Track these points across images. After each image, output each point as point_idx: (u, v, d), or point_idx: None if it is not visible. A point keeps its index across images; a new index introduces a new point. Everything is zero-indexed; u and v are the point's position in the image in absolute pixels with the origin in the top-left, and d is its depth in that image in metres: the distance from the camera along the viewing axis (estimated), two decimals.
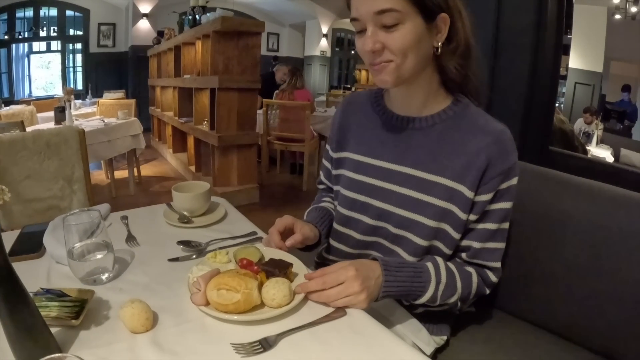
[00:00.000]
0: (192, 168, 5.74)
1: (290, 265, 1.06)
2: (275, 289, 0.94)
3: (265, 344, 0.85)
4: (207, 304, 0.95)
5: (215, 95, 4.51)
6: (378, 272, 1.02)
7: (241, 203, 4.65)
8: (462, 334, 1.35)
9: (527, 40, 1.96)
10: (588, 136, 3.92)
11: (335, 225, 1.32)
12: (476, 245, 1.14)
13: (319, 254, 1.42)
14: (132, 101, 6.03)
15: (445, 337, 1.27)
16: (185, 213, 1.47)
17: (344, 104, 1.37)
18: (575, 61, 4.14)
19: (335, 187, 1.33)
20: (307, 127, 5.19)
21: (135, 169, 5.48)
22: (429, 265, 1.09)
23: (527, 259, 1.39)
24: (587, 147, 3.77)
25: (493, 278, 1.18)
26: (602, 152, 3.76)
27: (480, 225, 1.13)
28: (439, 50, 1.06)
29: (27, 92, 9.57)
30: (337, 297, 0.97)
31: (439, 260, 1.12)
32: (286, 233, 1.20)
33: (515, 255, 1.38)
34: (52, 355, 0.59)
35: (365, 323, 0.94)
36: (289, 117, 5.35)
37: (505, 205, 1.12)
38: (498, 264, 1.17)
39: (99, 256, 1.09)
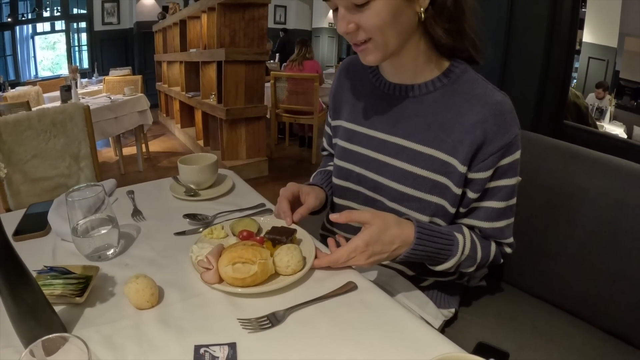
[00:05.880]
0: (201, 142, 5.74)
1: (294, 231, 1.06)
2: (288, 256, 0.93)
3: (273, 319, 0.83)
4: (220, 281, 0.93)
5: (222, 69, 4.47)
6: (404, 240, 0.96)
7: (250, 176, 4.65)
8: (472, 308, 1.33)
9: (543, 12, 1.91)
10: (601, 112, 3.88)
11: (335, 199, 1.28)
12: (485, 225, 1.08)
13: (322, 224, 1.39)
14: (139, 77, 5.99)
15: (453, 310, 1.25)
16: (192, 186, 1.44)
17: (340, 70, 1.30)
18: (589, 35, 4.02)
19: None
20: (315, 99, 5.13)
21: (143, 145, 5.49)
22: (459, 237, 1.03)
23: (540, 234, 1.35)
24: (600, 123, 3.75)
25: (508, 250, 1.14)
26: (614, 129, 3.75)
27: (486, 204, 1.06)
28: (423, 16, 0.96)
29: (33, 73, 9.50)
30: (341, 266, 0.98)
31: (466, 230, 1.06)
32: (293, 200, 1.18)
33: (528, 230, 1.34)
34: (52, 335, 0.56)
35: (376, 297, 0.91)
36: (297, 90, 5.29)
37: (510, 181, 1.04)
38: (511, 239, 1.12)
39: (103, 232, 1.06)
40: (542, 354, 1.16)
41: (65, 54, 9.83)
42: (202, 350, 0.76)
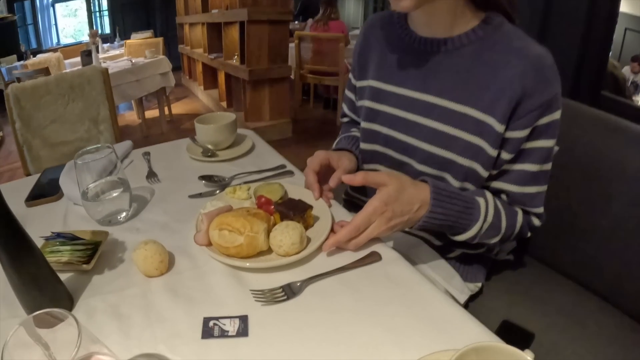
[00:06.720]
0: (224, 104, 5.71)
1: (309, 207, 0.94)
2: (282, 235, 0.83)
3: (289, 291, 0.77)
4: (209, 244, 0.87)
5: (244, 29, 4.39)
6: (422, 200, 0.89)
7: (273, 138, 4.61)
8: (498, 283, 1.26)
9: None
10: (636, 87, 3.72)
11: (362, 165, 1.21)
12: (515, 189, 1.00)
13: (345, 189, 1.33)
14: (160, 39, 5.96)
15: (479, 284, 1.18)
16: (210, 146, 1.39)
17: (365, 27, 1.21)
18: (627, 5, 3.81)
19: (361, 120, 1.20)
20: (341, 60, 5.00)
21: (166, 108, 5.51)
22: (481, 201, 0.95)
23: (572, 210, 1.26)
24: (635, 98, 3.64)
25: (537, 222, 1.05)
26: None
27: (518, 167, 0.98)
28: None
29: (55, 41, 9.58)
30: (364, 241, 0.88)
31: (489, 195, 0.99)
32: (322, 171, 1.09)
33: (560, 204, 1.25)
34: (38, 312, 0.52)
35: (401, 270, 0.84)
36: (322, 50, 5.17)
37: (547, 143, 0.95)
38: (541, 209, 1.03)
39: (114, 195, 1.03)
40: (568, 337, 1.09)
41: (87, 20, 9.83)
42: (211, 323, 0.71)
